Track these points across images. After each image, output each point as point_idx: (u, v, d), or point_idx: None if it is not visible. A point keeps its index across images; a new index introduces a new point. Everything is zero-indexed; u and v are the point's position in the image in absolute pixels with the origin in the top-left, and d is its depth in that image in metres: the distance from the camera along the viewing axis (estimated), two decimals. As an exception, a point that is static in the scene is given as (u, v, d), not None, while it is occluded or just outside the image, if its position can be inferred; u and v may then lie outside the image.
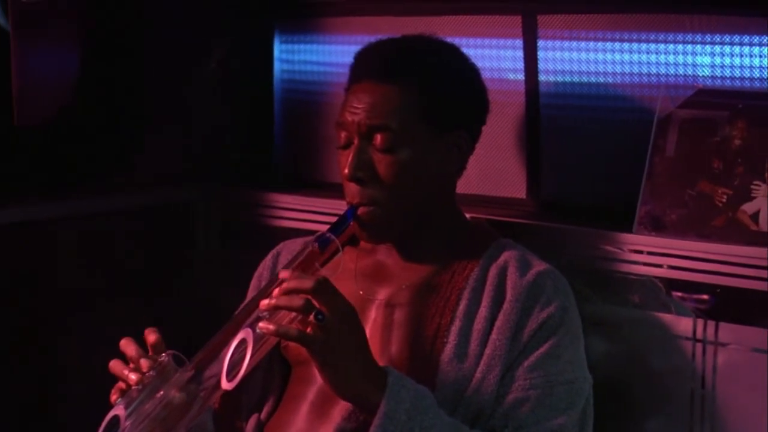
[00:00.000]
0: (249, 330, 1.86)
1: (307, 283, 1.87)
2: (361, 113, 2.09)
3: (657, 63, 2.43)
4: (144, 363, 1.91)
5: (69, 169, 3.08)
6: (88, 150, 3.11)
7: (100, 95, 3.13)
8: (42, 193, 3.00)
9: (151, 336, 1.96)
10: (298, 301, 1.86)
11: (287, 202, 2.91)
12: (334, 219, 2.15)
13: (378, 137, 2.09)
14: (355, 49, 2.26)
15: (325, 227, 2.13)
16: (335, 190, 2.43)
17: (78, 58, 3.11)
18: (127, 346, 1.96)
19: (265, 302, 1.89)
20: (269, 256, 2.39)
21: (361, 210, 2.11)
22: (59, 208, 2.99)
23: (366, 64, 2.18)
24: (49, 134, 3.06)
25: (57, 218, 2.96)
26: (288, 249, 2.37)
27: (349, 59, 2.24)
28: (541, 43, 2.61)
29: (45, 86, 3.06)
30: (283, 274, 1.91)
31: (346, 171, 2.10)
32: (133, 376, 1.90)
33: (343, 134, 2.14)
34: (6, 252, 2.85)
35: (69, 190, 3.05)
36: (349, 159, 2.10)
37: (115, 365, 1.95)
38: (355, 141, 2.11)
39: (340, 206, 2.22)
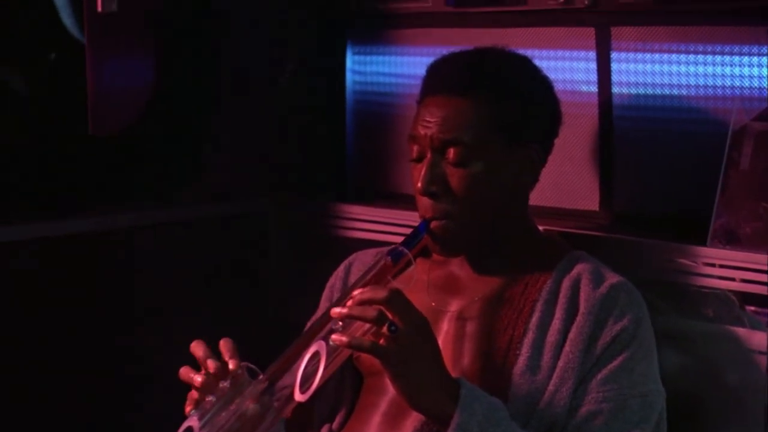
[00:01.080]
0: (322, 342, 1.87)
1: (381, 293, 1.88)
2: (434, 127, 2.10)
3: (731, 75, 2.42)
4: (210, 364, 1.93)
5: (143, 178, 3.11)
6: (162, 159, 3.14)
7: (174, 105, 3.16)
8: (118, 202, 3.03)
9: (225, 346, 1.97)
10: (371, 312, 1.86)
11: (359, 213, 2.92)
12: (406, 230, 2.15)
13: (451, 151, 2.09)
14: (427, 60, 2.26)
15: (397, 238, 2.13)
16: (407, 202, 2.43)
17: (152, 68, 3.14)
18: (197, 348, 1.98)
19: (337, 311, 1.89)
20: (341, 267, 2.40)
21: (434, 224, 2.11)
22: (135, 217, 3.02)
23: (438, 78, 2.18)
24: (123, 143, 3.10)
25: (133, 227, 2.99)
26: (360, 260, 2.37)
27: (421, 71, 2.25)
28: (614, 55, 2.60)
29: (120, 96, 3.09)
30: (357, 291, 1.91)
31: (419, 185, 2.10)
32: (198, 378, 1.92)
33: (415, 148, 2.14)
34: (83, 260, 2.89)
35: (144, 200, 3.09)
36: (422, 173, 2.10)
37: (184, 371, 1.97)
38: (428, 155, 2.11)
39: (411, 217, 2.22)
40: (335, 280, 2.39)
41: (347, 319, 1.88)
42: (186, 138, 3.16)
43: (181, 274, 3.05)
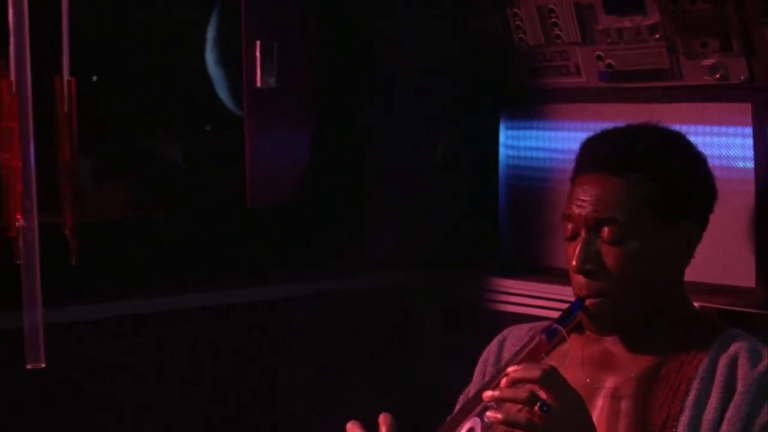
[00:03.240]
0: (477, 419, 1.88)
1: (535, 373, 1.88)
2: (588, 206, 2.10)
3: None
4: None
5: (298, 251, 3.16)
6: (316, 231, 3.18)
7: (328, 178, 3.20)
8: (274, 274, 3.08)
9: (385, 422, 1.99)
10: (522, 393, 1.86)
11: (511, 287, 2.93)
12: (558, 305, 2.16)
13: (605, 230, 2.09)
14: (580, 136, 2.26)
15: (549, 313, 2.13)
16: (560, 276, 2.43)
17: (309, 142, 3.19)
18: (353, 429, 2.00)
19: (489, 393, 1.90)
20: (495, 342, 2.40)
21: (588, 302, 2.10)
22: (289, 288, 3.07)
23: (592, 156, 2.18)
24: (279, 216, 3.15)
25: (287, 298, 3.04)
26: (514, 335, 2.37)
27: (574, 146, 2.25)
28: (771, 130, 2.58)
29: (277, 169, 3.15)
30: (511, 369, 1.92)
31: (574, 263, 2.10)
32: None
33: (570, 226, 2.14)
34: (239, 329, 2.95)
35: (298, 271, 3.13)
36: (577, 251, 2.10)
37: None
38: (582, 233, 2.11)
39: (564, 292, 2.22)
40: (488, 355, 2.39)
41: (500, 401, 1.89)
42: (340, 211, 3.20)
43: (331, 344, 3.09)
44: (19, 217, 1.93)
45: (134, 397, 2.87)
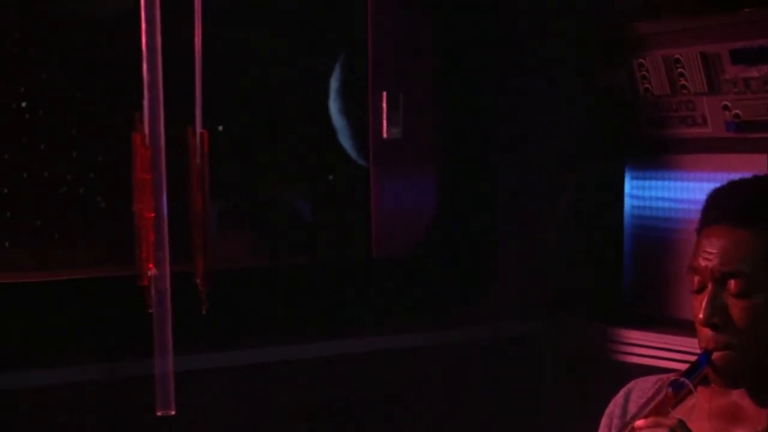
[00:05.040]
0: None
1: (663, 426, 1.87)
2: (715, 259, 2.08)
3: None
4: None
5: (422, 300, 3.17)
6: (441, 281, 3.19)
7: (454, 228, 3.21)
8: (398, 323, 3.10)
9: None
10: (651, 447, 1.86)
11: (636, 338, 2.91)
12: (684, 356, 2.14)
13: (732, 283, 2.07)
14: (705, 186, 2.24)
15: (675, 365, 2.12)
16: (685, 327, 2.41)
17: (434, 191, 3.21)
18: None
19: (619, 450, 1.90)
20: (621, 394, 2.39)
21: (715, 355, 2.08)
22: (413, 338, 3.08)
23: (719, 208, 2.16)
24: (404, 265, 3.17)
25: (415, 347, 3.05)
26: (640, 387, 2.35)
27: (699, 196, 2.23)
28: None
29: (402, 218, 3.17)
30: (639, 423, 1.91)
31: (701, 316, 2.09)
32: None
33: (696, 278, 2.13)
34: (366, 377, 2.96)
35: (422, 321, 3.14)
36: (703, 304, 2.08)
37: None
38: (709, 286, 2.09)
39: (690, 344, 2.20)
40: (615, 408, 2.37)
41: None
42: (465, 261, 3.21)
43: (454, 395, 3.09)
44: (151, 266, 1.97)
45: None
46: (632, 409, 2.20)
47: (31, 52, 2.99)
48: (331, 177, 3.35)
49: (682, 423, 1.88)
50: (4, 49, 2.95)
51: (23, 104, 2.97)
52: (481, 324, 3.17)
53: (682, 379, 2.02)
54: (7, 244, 2.98)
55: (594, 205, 3.21)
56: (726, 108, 2.90)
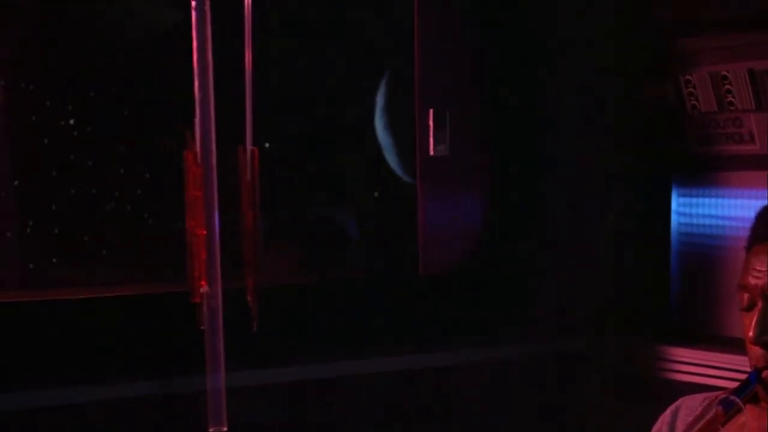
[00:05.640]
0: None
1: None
2: (765, 277, 2.07)
3: None
4: None
5: (468, 317, 3.17)
6: (487, 297, 3.20)
7: (500, 245, 3.21)
8: (444, 340, 3.10)
9: None
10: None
11: (684, 355, 2.90)
12: (732, 374, 2.13)
13: (782, 300, 2.07)
14: (753, 203, 2.25)
15: (723, 383, 2.11)
16: (733, 345, 2.40)
17: (480, 208, 3.21)
18: None
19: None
20: (668, 412, 2.38)
21: (765, 373, 2.08)
22: (455, 356, 3.08)
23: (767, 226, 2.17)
24: (450, 282, 3.17)
25: (459, 365, 3.05)
26: (687, 405, 2.35)
27: (747, 213, 2.24)
28: None
29: (448, 235, 3.18)
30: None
31: (751, 334, 2.08)
32: None
33: (745, 296, 2.12)
34: (409, 394, 2.97)
35: (466, 338, 3.14)
36: (753, 322, 2.08)
37: None
38: (759, 304, 2.09)
39: (738, 362, 2.19)
40: (662, 426, 2.37)
41: None
42: (512, 278, 3.21)
43: (498, 412, 3.08)
44: (203, 283, 1.99)
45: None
46: (680, 427, 2.20)
47: (79, 70, 3.02)
48: (377, 194, 3.36)
49: (731, 442, 1.88)
50: (54, 67, 2.99)
51: (71, 121, 3.00)
52: (527, 341, 3.16)
53: (732, 397, 2.01)
54: (55, 260, 3.01)
55: (641, 223, 3.21)
56: (773, 125, 2.90)
